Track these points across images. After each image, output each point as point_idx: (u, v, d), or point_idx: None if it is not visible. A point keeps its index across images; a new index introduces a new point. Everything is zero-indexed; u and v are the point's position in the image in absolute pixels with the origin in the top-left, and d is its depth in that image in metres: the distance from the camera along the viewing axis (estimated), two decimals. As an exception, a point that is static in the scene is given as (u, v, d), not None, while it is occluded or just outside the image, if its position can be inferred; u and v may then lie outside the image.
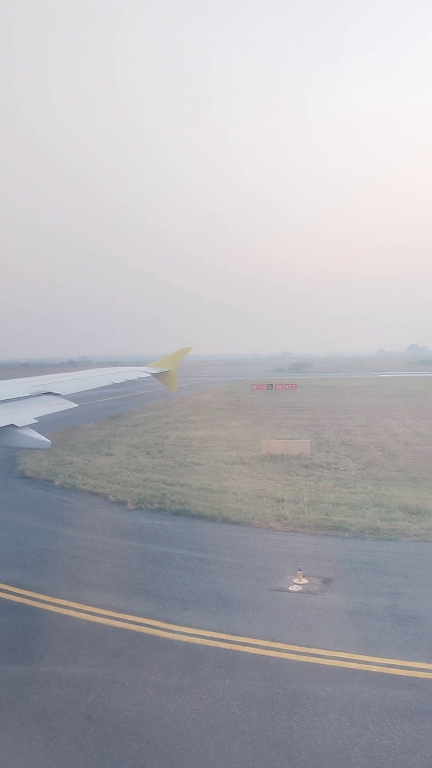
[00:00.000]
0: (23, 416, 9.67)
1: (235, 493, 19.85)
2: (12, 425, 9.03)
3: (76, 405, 13.01)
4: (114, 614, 11.16)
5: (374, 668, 9.01)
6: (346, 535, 15.66)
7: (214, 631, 10.36)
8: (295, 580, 12.44)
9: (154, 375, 25.83)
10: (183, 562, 13.96)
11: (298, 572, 12.54)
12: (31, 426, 9.40)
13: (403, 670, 8.91)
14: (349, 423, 38.98)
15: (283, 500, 18.79)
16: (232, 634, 10.20)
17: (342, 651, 9.54)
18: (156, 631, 10.46)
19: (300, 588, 12.12)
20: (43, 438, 9.09)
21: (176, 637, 10.21)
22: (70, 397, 13.14)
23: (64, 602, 11.76)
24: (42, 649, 9.96)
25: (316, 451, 27.17)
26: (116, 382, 20.29)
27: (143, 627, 10.61)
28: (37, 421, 9.71)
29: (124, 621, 10.89)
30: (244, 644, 9.86)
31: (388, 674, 8.83)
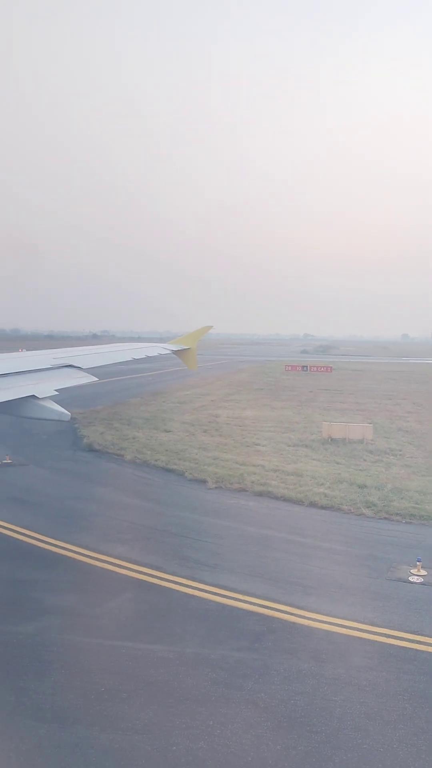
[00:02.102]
0: (44, 388, 9.72)
1: (313, 477, 19.50)
2: (32, 396, 9.07)
3: (97, 379, 12.83)
4: (238, 596, 10.91)
5: None
6: (444, 525, 15.26)
7: (348, 619, 10.06)
8: (414, 571, 12.08)
9: (174, 352, 25.38)
10: (286, 546, 13.68)
11: (417, 563, 12.18)
12: (52, 398, 9.41)
13: None
14: (397, 409, 38.34)
15: (365, 486, 18.41)
16: (369, 624, 9.90)
17: None
18: (289, 616, 10.18)
19: (421, 579, 11.76)
20: (63, 410, 9.15)
21: (313, 624, 9.92)
22: (91, 371, 12.93)
23: (183, 580, 11.54)
24: (179, 629, 9.74)
25: (374, 437, 26.66)
26: (137, 357, 19.98)
27: (274, 611, 10.34)
28: (57, 393, 9.69)
29: (251, 604, 10.63)
30: (386, 636, 9.55)
31: None
